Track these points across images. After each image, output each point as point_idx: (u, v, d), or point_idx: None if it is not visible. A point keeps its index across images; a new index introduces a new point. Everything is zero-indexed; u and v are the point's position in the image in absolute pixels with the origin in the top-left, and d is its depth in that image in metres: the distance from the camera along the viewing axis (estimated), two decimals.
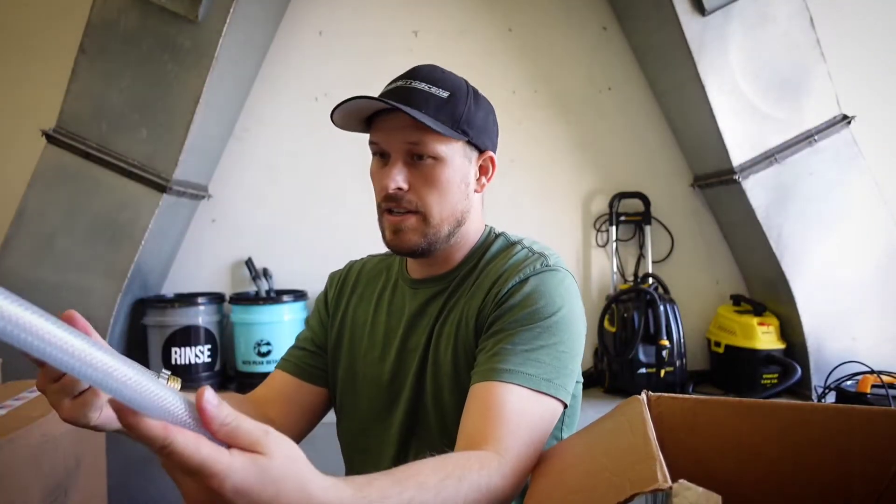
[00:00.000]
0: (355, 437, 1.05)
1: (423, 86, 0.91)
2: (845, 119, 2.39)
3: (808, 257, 2.43)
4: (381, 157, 0.95)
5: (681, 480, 0.44)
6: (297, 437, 1.04)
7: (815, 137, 2.38)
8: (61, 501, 0.89)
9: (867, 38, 2.74)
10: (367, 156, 1.00)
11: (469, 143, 0.95)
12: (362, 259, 1.16)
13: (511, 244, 1.01)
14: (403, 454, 0.98)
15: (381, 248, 1.06)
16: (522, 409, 0.79)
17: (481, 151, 0.98)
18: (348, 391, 1.05)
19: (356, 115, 0.93)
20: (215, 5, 2.23)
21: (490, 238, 1.03)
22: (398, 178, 0.90)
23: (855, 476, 0.66)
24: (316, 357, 1.08)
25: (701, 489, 0.43)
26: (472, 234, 1.01)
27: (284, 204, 2.81)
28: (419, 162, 0.91)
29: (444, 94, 0.91)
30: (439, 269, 1.01)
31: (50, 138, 2.25)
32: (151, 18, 2.25)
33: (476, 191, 0.99)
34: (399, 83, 0.93)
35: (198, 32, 2.25)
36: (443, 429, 0.95)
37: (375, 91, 0.95)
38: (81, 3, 2.27)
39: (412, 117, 0.87)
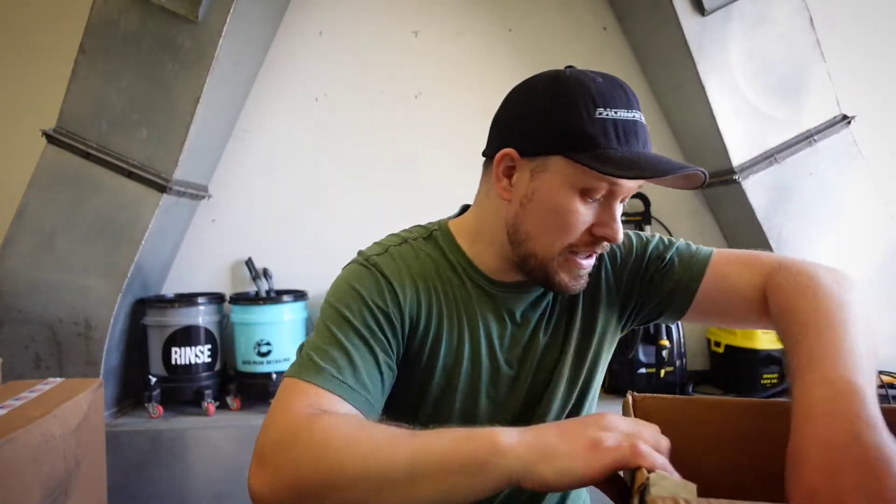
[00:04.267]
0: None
1: (642, 117, 0.76)
2: (845, 119, 2.39)
3: (808, 257, 2.42)
4: (589, 196, 0.74)
5: (657, 470, 0.45)
6: None
7: (815, 137, 2.38)
8: (61, 501, 0.89)
9: (867, 38, 2.75)
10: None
11: None
12: (389, 255, 0.82)
13: None
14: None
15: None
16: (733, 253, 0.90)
17: None
18: (440, 404, 0.84)
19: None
20: (215, 5, 2.23)
21: None
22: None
23: None
24: (384, 387, 0.79)
25: (677, 478, 0.43)
26: None
27: (284, 204, 2.81)
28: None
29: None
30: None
31: (50, 138, 2.26)
32: (151, 18, 2.25)
33: None
34: (632, 115, 0.74)
35: (198, 32, 2.25)
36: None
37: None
38: (81, 3, 2.27)
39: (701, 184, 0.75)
